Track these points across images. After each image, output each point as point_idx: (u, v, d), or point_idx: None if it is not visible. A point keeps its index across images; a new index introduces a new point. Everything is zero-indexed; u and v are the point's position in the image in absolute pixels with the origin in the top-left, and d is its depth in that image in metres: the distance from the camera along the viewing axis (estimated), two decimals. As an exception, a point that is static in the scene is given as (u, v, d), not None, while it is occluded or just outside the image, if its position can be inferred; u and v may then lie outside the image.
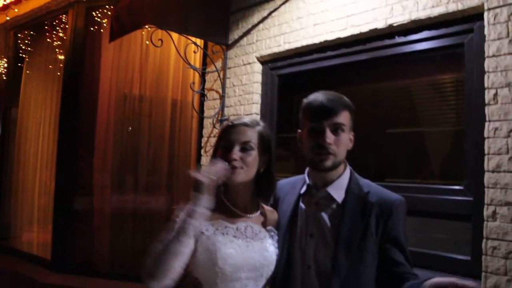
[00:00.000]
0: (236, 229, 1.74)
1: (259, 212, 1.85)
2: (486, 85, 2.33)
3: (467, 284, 1.23)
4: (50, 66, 5.65)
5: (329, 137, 1.65)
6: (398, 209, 1.68)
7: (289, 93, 3.57)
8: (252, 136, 1.74)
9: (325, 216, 1.72)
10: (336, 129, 1.67)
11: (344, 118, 1.68)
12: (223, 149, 1.73)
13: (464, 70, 2.52)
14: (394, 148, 2.99)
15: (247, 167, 1.71)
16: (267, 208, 1.93)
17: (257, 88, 3.60)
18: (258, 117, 3.43)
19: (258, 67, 3.62)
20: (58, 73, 5.40)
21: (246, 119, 1.80)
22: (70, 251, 4.62)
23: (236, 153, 1.70)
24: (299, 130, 1.80)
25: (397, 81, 3.04)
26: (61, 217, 4.67)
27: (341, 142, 1.67)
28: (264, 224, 1.84)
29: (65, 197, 4.70)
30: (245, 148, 1.72)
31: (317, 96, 1.71)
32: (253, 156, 1.73)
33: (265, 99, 3.60)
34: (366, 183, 1.77)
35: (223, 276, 1.66)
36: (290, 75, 3.50)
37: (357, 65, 3.08)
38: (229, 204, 1.79)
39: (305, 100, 1.76)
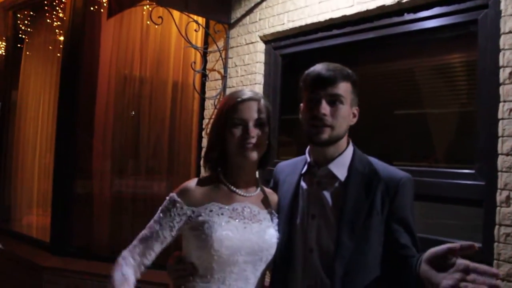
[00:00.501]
0: (232, 209, 1.67)
1: (258, 191, 1.77)
2: (501, 63, 2.21)
3: (463, 245, 1.18)
4: (50, 47, 5.57)
5: (325, 108, 1.56)
6: (405, 187, 1.58)
7: (293, 73, 3.45)
8: (263, 110, 1.68)
9: (327, 195, 1.64)
10: (334, 101, 1.57)
11: (343, 89, 1.58)
12: (235, 128, 1.65)
13: (477, 48, 2.39)
14: (402, 130, 2.88)
15: (262, 145, 1.66)
16: (267, 189, 1.86)
17: (260, 68, 3.48)
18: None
19: (261, 46, 3.51)
20: (58, 54, 5.32)
21: (251, 93, 1.71)
22: (69, 235, 4.60)
23: (253, 130, 1.63)
24: (301, 104, 1.71)
25: (406, 61, 2.91)
26: (60, 200, 4.63)
27: (338, 115, 1.57)
28: (263, 206, 1.76)
29: (64, 180, 4.66)
30: (259, 124, 1.66)
31: (316, 66, 1.63)
32: (267, 132, 1.68)
33: (268, 79, 3.49)
34: (372, 160, 1.68)
35: (219, 259, 1.59)
36: (294, 54, 3.38)
37: (364, 44, 2.95)
38: (229, 184, 1.71)
39: (305, 72, 1.67)
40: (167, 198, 1.69)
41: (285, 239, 1.68)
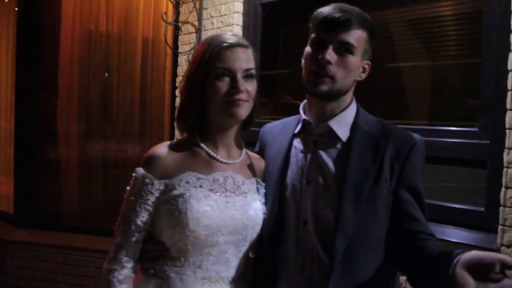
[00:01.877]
0: (213, 180, 1.39)
1: (242, 156, 1.49)
2: (513, 7, 1.98)
3: None
4: (6, 0, 5.07)
5: (330, 54, 1.30)
6: (418, 151, 1.37)
7: (274, 24, 3.21)
8: (252, 60, 1.40)
9: (325, 157, 1.39)
10: (343, 48, 1.31)
11: (356, 37, 1.32)
12: (219, 81, 1.34)
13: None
14: (396, 85, 2.65)
15: (251, 99, 1.39)
16: (253, 154, 1.57)
17: (238, 19, 3.17)
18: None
19: (239, -6, 3.19)
20: (16, 9, 4.85)
21: (236, 37, 1.41)
22: (35, 204, 4.30)
23: (242, 83, 1.34)
24: (306, 48, 1.43)
25: (402, 8, 2.64)
26: (24, 167, 4.31)
27: (345, 66, 1.33)
28: (248, 174, 1.48)
29: (27, 145, 4.33)
30: (247, 76, 1.37)
31: (330, 6, 1.35)
32: (255, 85, 1.40)
33: (247, 31, 3.20)
34: (378, 120, 1.45)
35: (195, 240, 1.32)
36: (276, 3, 3.11)
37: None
38: (208, 149, 1.42)
39: (316, 10, 1.39)
40: (134, 175, 1.39)
41: (273, 211, 1.43)
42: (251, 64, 1.38)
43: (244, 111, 1.36)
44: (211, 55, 1.35)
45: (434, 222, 1.98)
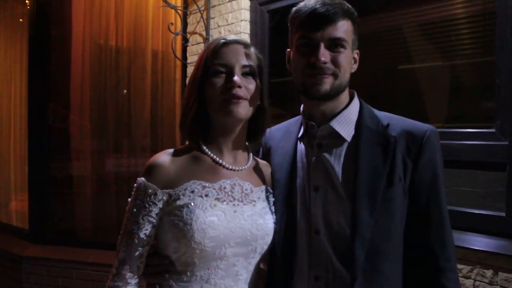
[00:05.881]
0: (219, 188, 1.31)
1: (250, 162, 1.42)
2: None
3: None
4: (21, 20, 5.13)
5: (324, 54, 1.23)
6: (431, 143, 1.27)
7: (282, 31, 3.10)
8: (252, 57, 1.33)
9: (332, 160, 1.32)
10: (335, 44, 1.25)
11: (344, 29, 1.26)
12: (216, 77, 1.29)
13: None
14: (408, 86, 2.58)
15: (251, 98, 1.32)
16: (261, 161, 1.50)
17: (245, 27, 3.14)
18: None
19: (246, 2, 3.16)
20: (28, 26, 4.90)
21: (236, 36, 1.37)
22: (50, 220, 4.30)
23: (239, 78, 1.28)
24: (288, 50, 1.38)
25: (411, 8, 2.57)
26: (38, 183, 4.33)
27: (341, 61, 1.26)
28: (257, 181, 1.41)
29: (41, 162, 4.35)
30: (247, 73, 1.32)
31: (308, 1, 1.28)
32: (254, 83, 1.33)
33: (254, 39, 3.16)
34: (384, 115, 1.36)
35: (202, 253, 1.24)
36: (283, 10, 3.04)
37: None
38: (213, 155, 1.35)
39: (293, 8, 1.32)
40: (135, 185, 1.33)
41: (284, 221, 1.36)
42: (251, 62, 1.32)
43: (242, 109, 1.29)
44: (209, 54, 1.32)
45: (453, 229, 1.88)
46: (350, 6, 1.29)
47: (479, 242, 2.01)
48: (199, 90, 1.32)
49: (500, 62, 2.04)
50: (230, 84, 1.28)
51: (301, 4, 1.29)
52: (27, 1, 4.87)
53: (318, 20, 1.23)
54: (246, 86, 1.30)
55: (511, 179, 1.97)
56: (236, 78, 1.28)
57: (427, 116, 2.50)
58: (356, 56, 1.34)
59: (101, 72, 4.28)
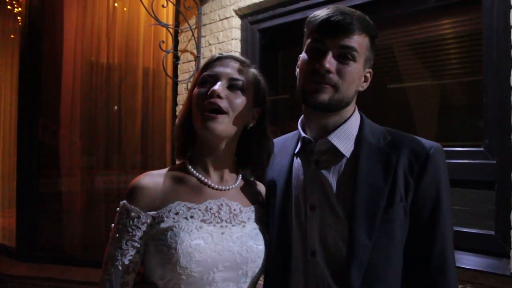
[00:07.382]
0: (205, 209, 1.25)
1: (238, 181, 1.37)
2: (512, 22, 1.92)
3: None
4: (12, 36, 5.14)
5: (330, 61, 1.17)
6: (435, 161, 1.19)
7: (273, 50, 3.16)
8: (243, 74, 1.29)
9: (330, 177, 1.24)
10: (344, 55, 1.19)
11: (358, 42, 1.19)
12: (202, 85, 1.26)
13: (481, 6, 2.08)
14: (397, 105, 2.58)
15: (233, 111, 1.24)
16: (251, 180, 1.45)
17: (236, 45, 3.15)
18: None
19: (237, 21, 3.17)
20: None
21: (233, 54, 1.35)
22: (37, 238, 4.23)
23: (223, 88, 1.23)
24: (299, 55, 1.32)
25: (400, 29, 2.60)
26: (26, 200, 4.26)
27: (347, 74, 1.19)
28: (246, 201, 1.35)
29: (29, 178, 4.28)
30: (235, 86, 1.26)
31: (327, 8, 1.23)
32: (243, 99, 1.27)
33: (245, 57, 3.10)
34: (385, 130, 1.30)
35: (188, 279, 1.17)
36: (274, 29, 3.07)
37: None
38: (198, 174, 1.30)
39: (311, 14, 1.27)
40: (118, 209, 1.26)
41: (278, 242, 1.30)
42: (242, 76, 1.28)
43: (219, 125, 1.22)
44: (202, 67, 1.31)
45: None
46: (370, 21, 1.24)
47: (468, 260, 2.00)
48: (188, 106, 1.31)
49: (487, 81, 2.05)
50: (210, 92, 1.23)
51: (319, 10, 1.25)
52: (18, 18, 4.88)
53: (332, 27, 1.18)
54: (229, 99, 1.24)
55: (500, 197, 1.97)
56: (216, 86, 1.23)
57: (415, 135, 2.51)
58: (368, 75, 1.28)
59: (92, 88, 4.27)
